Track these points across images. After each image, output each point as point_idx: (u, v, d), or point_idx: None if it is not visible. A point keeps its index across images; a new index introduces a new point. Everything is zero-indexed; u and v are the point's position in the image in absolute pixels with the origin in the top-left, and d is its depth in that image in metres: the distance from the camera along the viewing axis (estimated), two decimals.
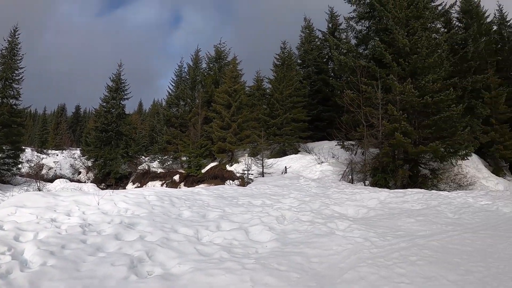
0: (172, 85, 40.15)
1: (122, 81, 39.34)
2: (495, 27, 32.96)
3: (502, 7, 34.25)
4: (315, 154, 23.84)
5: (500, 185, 21.51)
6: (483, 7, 31.18)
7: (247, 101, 31.38)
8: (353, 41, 25.61)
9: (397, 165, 18.15)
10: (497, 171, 24.92)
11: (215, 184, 22.00)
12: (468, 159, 20.27)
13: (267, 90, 35.97)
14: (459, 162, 21.03)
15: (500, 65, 30.65)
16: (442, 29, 25.91)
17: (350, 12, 24.40)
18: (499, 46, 31.92)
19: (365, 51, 23.78)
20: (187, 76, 39.33)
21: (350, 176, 19.58)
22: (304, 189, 14.56)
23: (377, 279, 5.11)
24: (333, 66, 31.58)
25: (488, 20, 31.71)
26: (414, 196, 12.46)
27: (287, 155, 27.00)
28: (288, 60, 33.37)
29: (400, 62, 18.86)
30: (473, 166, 22.79)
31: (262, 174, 21.39)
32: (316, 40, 38.72)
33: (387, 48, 19.32)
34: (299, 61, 37.84)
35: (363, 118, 18.96)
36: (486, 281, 5.24)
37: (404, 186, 17.34)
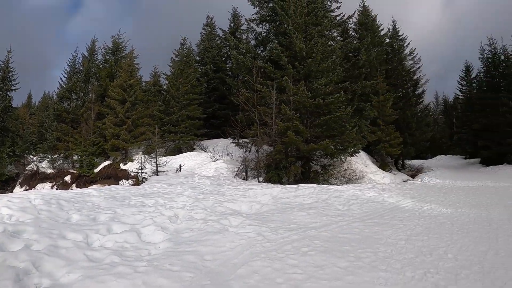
0: (65, 77, 36.07)
1: (11, 69, 34.68)
2: (387, 40, 35.70)
3: (396, 23, 37.56)
4: (210, 152, 24.00)
5: (386, 178, 23.24)
6: (379, 21, 33.83)
7: (143, 97, 30.20)
8: (253, 42, 26.21)
9: (290, 162, 19.00)
10: (383, 166, 27.18)
11: (109, 184, 21.01)
12: (356, 155, 22.00)
13: (164, 86, 35.02)
14: (349, 158, 22.47)
15: (389, 73, 33.45)
16: (339, 38, 27.53)
17: (253, 14, 24.87)
18: (390, 56, 34.94)
19: (263, 53, 24.51)
20: (81, 68, 35.70)
21: (244, 173, 19.99)
22: (198, 187, 14.60)
23: (270, 271, 5.38)
24: (231, 65, 31.89)
25: (382, 33, 34.22)
26: (305, 191, 13.19)
27: (182, 153, 26.52)
28: (187, 56, 32.79)
29: (295, 65, 19.64)
30: (361, 162, 24.47)
31: (156, 172, 21.13)
32: (217, 38, 38.59)
33: (284, 51, 20.09)
34: (198, 58, 37.36)
35: (258, 116, 19.57)
36: (374, 265, 5.82)
37: (296, 182, 18.08)
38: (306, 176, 19.65)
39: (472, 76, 46.20)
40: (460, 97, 50.00)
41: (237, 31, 36.81)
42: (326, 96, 18.97)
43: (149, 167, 22.23)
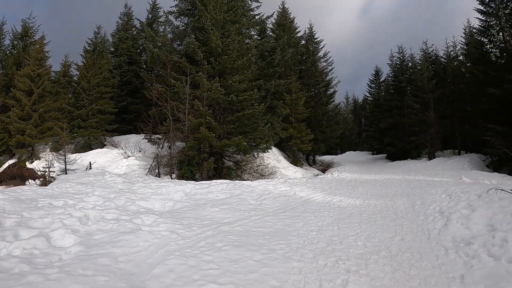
0: None
1: None
2: (303, 41, 37.13)
3: (312, 26, 39.05)
4: (122, 148, 22.99)
5: (298, 173, 24.00)
6: (297, 23, 35.25)
7: (51, 88, 27.82)
8: (170, 36, 25.59)
9: (203, 158, 18.75)
10: (295, 161, 28.00)
11: (15, 185, 19.39)
12: (269, 151, 22.26)
13: (75, 78, 32.26)
14: (261, 154, 22.75)
15: (303, 74, 34.89)
16: (256, 36, 27.79)
17: (172, 7, 24.20)
18: (304, 57, 36.15)
19: (180, 47, 24.03)
20: None
21: (157, 170, 19.48)
22: (110, 185, 13.80)
23: (186, 269, 5.20)
24: (146, 58, 30.73)
25: (299, 34, 35.78)
26: (218, 187, 12.95)
27: (93, 149, 25.09)
28: (100, 46, 31.21)
29: (211, 61, 19.41)
30: (274, 158, 24.88)
31: (65, 171, 19.82)
32: (133, 29, 36.63)
33: (200, 46, 19.76)
34: (112, 49, 35.07)
35: (170, 112, 19.13)
36: (288, 256, 5.83)
37: (210, 178, 17.86)
38: (219, 172, 19.50)
39: (381, 80, 49.30)
40: (369, 98, 53.37)
41: (154, 23, 35.46)
42: (240, 93, 18.95)
43: (57, 166, 20.73)
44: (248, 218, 8.55)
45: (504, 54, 24.15)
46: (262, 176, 21.77)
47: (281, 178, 19.29)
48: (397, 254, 5.93)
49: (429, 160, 31.63)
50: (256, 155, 21.79)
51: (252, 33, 26.88)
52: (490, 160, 27.16)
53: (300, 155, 32.30)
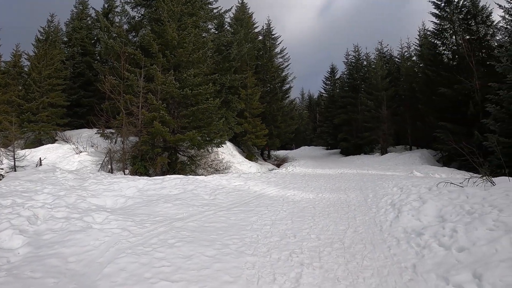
0: None
1: None
2: (260, 37, 37.18)
3: (270, 22, 39.26)
4: (73, 144, 22.13)
5: (252, 168, 23.93)
6: (255, 19, 35.31)
7: (0, 79, 26.95)
8: (126, 27, 24.81)
9: (156, 153, 18.36)
10: (250, 156, 27.93)
11: None
12: (223, 146, 22.05)
13: (25, 69, 30.53)
14: (216, 149, 22.50)
15: (259, 69, 34.73)
16: (213, 30, 27.44)
17: None
18: (261, 53, 35.91)
19: (135, 39, 23.40)
20: None
21: (110, 166, 18.89)
22: (60, 182, 13.11)
23: (137, 267, 5.02)
24: (101, 49, 29.81)
25: (256, 30, 35.89)
26: (172, 182, 12.63)
27: (44, 144, 24.06)
28: (53, 36, 29.78)
29: (166, 54, 19.00)
30: (228, 153, 24.72)
31: (14, 168, 18.89)
32: (88, 18, 35.23)
33: (156, 38, 19.24)
34: (65, 39, 33.55)
35: (123, 105, 18.57)
36: (241, 251, 5.73)
37: (164, 173, 17.50)
38: (173, 167, 19.13)
39: (336, 77, 50.59)
40: (324, 95, 54.66)
41: (110, 13, 34.09)
42: (194, 87, 18.62)
43: (6, 162, 19.66)
44: (202, 213, 8.36)
45: (456, 57, 25.15)
46: (216, 171, 21.57)
47: (235, 173, 19.15)
48: (350, 246, 5.94)
49: (382, 155, 32.43)
50: (210, 150, 21.53)
51: (210, 26, 26.51)
52: (440, 155, 28.07)
53: (255, 150, 32.33)
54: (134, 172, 17.82)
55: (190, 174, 17.97)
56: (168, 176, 14.70)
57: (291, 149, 54.62)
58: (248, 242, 6.24)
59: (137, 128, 18.41)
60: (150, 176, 15.88)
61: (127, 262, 5.16)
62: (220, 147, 21.63)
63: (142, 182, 12.54)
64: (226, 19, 31.42)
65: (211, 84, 19.27)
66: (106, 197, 10.35)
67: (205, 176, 16.30)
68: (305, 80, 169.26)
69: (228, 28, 31.98)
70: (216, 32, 27.10)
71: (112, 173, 17.90)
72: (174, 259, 5.32)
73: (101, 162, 19.22)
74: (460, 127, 22.10)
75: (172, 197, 10.37)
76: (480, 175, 9.32)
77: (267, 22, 39.49)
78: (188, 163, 20.49)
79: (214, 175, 17.28)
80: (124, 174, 17.52)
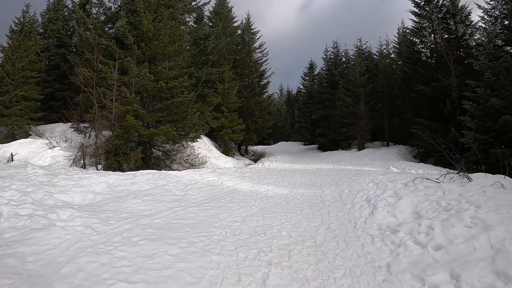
0: None
1: None
2: (239, 31, 36.88)
3: (250, 17, 39.08)
4: (47, 138, 21.49)
5: (229, 163, 23.66)
6: (234, 12, 35.52)
7: None
8: (102, 18, 24.08)
9: (130, 148, 17.87)
10: (226, 151, 27.67)
11: None
12: (198, 141, 21.63)
13: None
14: (192, 144, 22.18)
15: (237, 63, 34.35)
16: (192, 23, 26.95)
17: None
18: (239, 47, 35.63)
19: (111, 30, 22.74)
20: None
21: (83, 161, 18.33)
22: (30, 178, 12.52)
23: (97, 267, 4.69)
24: (76, 41, 28.88)
25: (235, 24, 35.66)
26: (143, 177, 12.20)
27: (17, 139, 23.32)
28: (28, 26, 28.66)
29: (141, 46, 18.49)
30: (205, 148, 24.37)
31: None
32: (65, 9, 34.30)
33: (131, 30, 18.69)
34: (41, 30, 32.64)
35: (96, 99, 17.99)
36: (207, 249, 5.44)
37: (138, 168, 17.05)
38: (147, 162, 18.65)
39: (315, 73, 50.83)
40: (302, 90, 54.88)
41: (88, 4, 33.09)
42: (169, 80, 18.16)
43: None
44: (171, 209, 8.00)
45: (434, 55, 25.30)
46: (192, 166, 21.20)
47: (210, 168, 18.83)
48: (322, 244, 5.68)
49: (359, 150, 32.52)
50: (185, 145, 21.12)
51: (188, 19, 26.01)
52: (416, 151, 28.24)
53: (232, 144, 32.03)
54: (107, 168, 17.33)
55: (165, 169, 17.61)
56: (140, 171, 14.25)
57: (269, 144, 54.57)
58: (215, 240, 5.93)
59: (110, 122, 17.89)
60: (124, 172, 15.43)
61: (87, 262, 4.83)
62: (195, 141, 21.23)
63: (113, 177, 12.09)
64: (205, 12, 31.26)
65: (186, 77, 18.78)
66: (75, 193, 9.87)
67: (180, 171, 15.91)
68: (285, 76, 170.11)
69: (207, 21, 31.65)
70: (195, 26, 26.64)
71: (85, 168, 17.37)
72: (135, 259, 5.01)
73: (73, 157, 18.65)
74: (437, 124, 22.27)
75: (142, 192, 9.97)
76: (456, 171, 9.21)
77: (246, 17, 39.34)
78: (163, 158, 20.04)
79: (188, 170, 16.89)
80: (97, 169, 17.00)
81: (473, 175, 8.84)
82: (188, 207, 8.31)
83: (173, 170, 17.84)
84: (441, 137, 20.36)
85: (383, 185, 9.62)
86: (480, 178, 8.53)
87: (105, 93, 17.82)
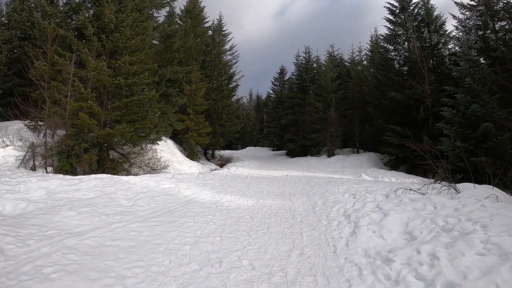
0: None
1: None
2: (210, 32, 35.99)
3: (222, 18, 38.25)
4: (0, 137, 19.69)
5: (193, 168, 22.23)
6: (206, 13, 34.22)
7: None
8: (66, 8, 22.28)
9: (84, 149, 16.28)
10: (191, 155, 26.23)
11: None
12: (158, 144, 20.09)
13: None
14: (155, 146, 20.82)
15: (206, 64, 33.23)
16: (161, 18, 25.54)
17: None
18: (209, 48, 34.47)
19: (73, 22, 21.10)
20: None
21: (33, 162, 16.61)
22: None
23: None
24: (34, 31, 26.88)
25: (206, 25, 34.92)
26: (91, 183, 10.61)
27: None
28: None
29: (102, 38, 17.02)
30: (168, 151, 22.91)
31: None
32: (31, 0, 32.56)
33: (93, 20, 17.27)
34: (5, 20, 30.63)
35: (50, 94, 16.33)
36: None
37: (93, 172, 15.53)
38: (102, 166, 17.05)
39: (286, 79, 50.53)
40: (272, 95, 54.69)
41: None
42: (130, 76, 16.70)
43: None
44: (109, 225, 6.51)
45: (408, 62, 24.90)
46: (153, 170, 19.73)
47: (169, 173, 17.26)
48: (296, 280, 4.29)
49: (329, 157, 31.76)
50: (144, 148, 19.64)
51: (157, 15, 24.44)
52: (387, 159, 27.65)
53: (198, 148, 30.79)
54: (58, 170, 15.71)
55: (122, 174, 16.21)
56: (89, 176, 12.70)
57: (237, 149, 53.60)
58: (154, 273, 4.50)
59: (64, 120, 16.27)
60: (77, 175, 13.94)
61: None
62: (156, 144, 19.65)
63: (56, 182, 10.48)
64: (176, 10, 30.49)
65: (148, 74, 17.29)
66: (7, 201, 8.22)
67: (135, 176, 14.39)
68: (256, 81, 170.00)
69: (178, 20, 30.47)
70: (164, 21, 25.27)
71: (34, 170, 15.74)
72: None
73: (22, 158, 16.95)
74: (409, 131, 21.59)
75: (83, 202, 8.42)
76: (435, 180, 8.34)
77: (218, 18, 38.45)
78: (120, 161, 18.45)
79: (144, 175, 15.33)
80: (47, 172, 15.39)
81: (460, 186, 8.03)
82: (132, 222, 6.85)
83: (131, 174, 16.57)
84: (413, 144, 20.56)
85: (362, 197, 8.49)
86: (469, 189, 7.70)
87: (60, 88, 16.21)
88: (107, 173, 14.44)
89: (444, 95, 17.69)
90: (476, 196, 6.80)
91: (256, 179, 15.93)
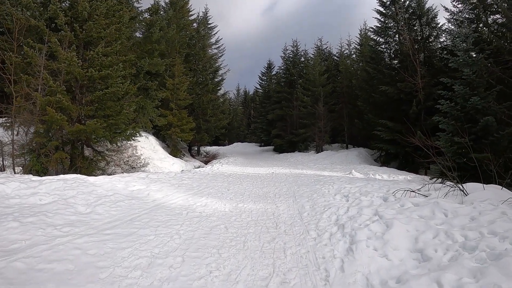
0: None
1: None
2: (195, 25, 35.27)
3: (208, 10, 38.40)
4: None
5: (176, 165, 21.22)
6: (191, 5, 33.56)
7: None
8: None
9: (55, 147, 14.99)
10: (175, 152, 25.23)
11: None
12: (138, 140, 18.84)
13: None
14: (134, 143, 19.85)
15: (190, 58, 32.22)
16: (142, 8, 24.29)
17: None
18: (194, 41, 33.49)
19: (48, 11, 19.78)
20: None
21: (1, 162, 15.28)
22: None
23: None
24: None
25: (192, 17, 34.16)
26: (51, 185, 9.29)
27: None
28: None
29: (75, 28, 15.71)
30: (150, 148, 21.87)
31: None
32: None
33: (66, 9, 15.95)
34: None
35: (19, 88, 15.03)
36: None
37: (66, 172, 14.22)
38: (75, 165, 15.73)
39: (273, 73, 49.91)
40: (259, 90, 54.26)
41: None
42: (103, 68, 15.42)
43: None
44: (51, 240, 5.20)
45: (399, 55, 24.24)
46: (132, 168, 18.71)
47: (144, 173, 15.69)
48: None
49: (317, 153, 31.01)
50: (124, 144, 18.50)
51: (136, 4, 23.12)
52: (378, 155, 27.00)
53: (183, 145, 29.89)
54: (28, 170, 14.39)
55: (97, 174, 15.08)
56: (53, 177, 11.40)
57: (224, 145, 53.15)
58: None
59: (34, 116, 14.98)
60: (49, 175, 12.66)
61: None
62: (131, 140, 18.23)
63: (14, 185, 9.09)
64: (160, 3, 28.98)
65: (121, 65, 15.98)
66: None
67: (106, 176, 13.06)
68: (244, 77, 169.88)
69: (162, 13, 29.08)
70: (146, 12, 24.01)
71: (3, 171, 14.43)
72: None
73: None
74: (400, 126, 21.28)
75: (35, 209, 7.09)
76: (435, 179, 7.40)
77: (204, 11, 38.25)
78: (95, 159, 17.13)
79: (114, 175, 13.98)
80: (14, 172, 14.08)
81: (467, 186, 6.92)
82: (80, 236, 5.53)
83: (106, 174, 15.55)
84: (405, 139, 19.94)
85: (356, 200, 7.40)
86: (477, 191, 6.64)
87: (29, 81, 14.91)
88: (79, 173, 13.38)
89: (439, 88, 17.13)
90: (490, 200, 5.75)
91: (239, 178, 14.73)
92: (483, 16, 18.97)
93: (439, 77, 18.67)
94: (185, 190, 10.52)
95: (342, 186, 9.66)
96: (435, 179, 13.09)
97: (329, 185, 10.32)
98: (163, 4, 30.75)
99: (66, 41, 15.39)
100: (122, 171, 17.72)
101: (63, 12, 15.57)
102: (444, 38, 23.70)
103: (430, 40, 24.19)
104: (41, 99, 14.21)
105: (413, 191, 7.29)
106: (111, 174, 15.71)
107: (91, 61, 15.61)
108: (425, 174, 20.10)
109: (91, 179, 10.80)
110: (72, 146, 16.00)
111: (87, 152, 17.54)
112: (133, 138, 17.31)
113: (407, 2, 24.52)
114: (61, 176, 11.40)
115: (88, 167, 15.76)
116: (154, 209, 7.84)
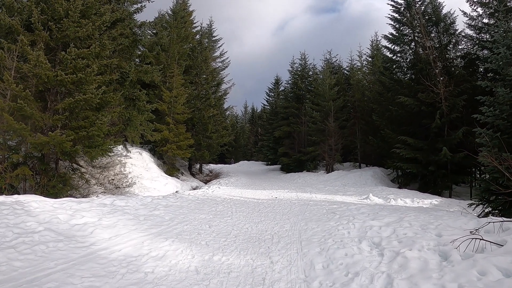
0: None
1: None
2: (198, 36, 34.47)
3: (212, 22, 37.69)
4: None
5: (169, 185, 19.34)
6: (195, 17, 33.41)
7: None
8: None
9: (16, 162, 12.66)
10: (171, 170, 23.16)
11: None
12: (110, 155, 16.17)
13: None
14: (125, 160, 18.52)
15: (191, 70, 30.75)
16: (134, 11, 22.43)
17: None
18: (195, 53, 32.22)
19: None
20: None
21: None
22: None
23: None
24: None
25: (195, 30, 33.73)
26: None
27: None
28: None
29: (51, 27, 13.60)
30: (141, 165, 19.80)
31: None
32: None
33: (44, 9, 13.92)
34: None
35: None
36: None
37: (35, 192, 12.14)
38: (42, 185, 13.28)
39: (280, 89, 48.86)
40: (266, 107, 53.18)
41: None
42: (77, 71, 13.11)
43: None
44: None
45: (418, 64, 21.95)
46: (117, 188, 16.52)
47: (110, 197, 11.63)
48: None
49: (327, 173, 28.85)
50: (105, 161, 16.33)
51: (131, 9, 21.19)
52: (395, 175, 25.04)
53: (183, 162, 28.19)
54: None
55: (73, 193, 13.50)
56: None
57: (229, 163, 51.96)
58: None
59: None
60: (19, 194, 10.87)
61: None
62: (105, 156, 15.60)
63: None
64: (163, 12, 29.62)
65: (95, 67, 13.58)
66: None
67: (60, 200, 9.92)
68: (253, 95, 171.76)
69: (165, 24, 27.78)
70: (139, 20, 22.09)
71: None
72: None
73: None
74: (421, 142, 19.52)
75: None
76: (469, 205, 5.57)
77: (208, 23, 37.06)
78: (66, 177, 14.42)
79: (71, 200, 10.23)
80: None
81: None
82: None
83: (86, 194, 14.03)
84: (429, 157, 19.27)
85: (397, 256, 4.69)
86: None
87: None
88: (44, 193, 11.96)
89: (457, 101, 17.12)
90: None
91: (233, 206, 11.66)
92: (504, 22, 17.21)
93: (462, 86, 18.50)
94: (149, 226, 7.51)
95: (367, 223, 6.97)
96: (475, 205, 10.53)
97: (348, 220, 7.62)
98: (167, 15, 30.44)
99: (40, 41, 13.28)
100: (105, 191, 15.68)
101: (40, 9, 13.68)
102: (463, 44, 22.04)
103: (449, 47, 22.40)
104: (1, 105, 11.91)
105: (482, 239, 4.69)
106: (87, 196, 13.82)
107: (64, 63, 13.42)
108: (449, 196, 18.41)
109: (37, 204, 7.95)
110: (39, 160, 13.61)
111: (63, 168, 15.17)
112: (107, 154, 14.80)
113: (423, 7, 23.00)
114: (8, 197, 8.71)
115: (56, 186, 13.24)
116: (82, 261, 4.97)
